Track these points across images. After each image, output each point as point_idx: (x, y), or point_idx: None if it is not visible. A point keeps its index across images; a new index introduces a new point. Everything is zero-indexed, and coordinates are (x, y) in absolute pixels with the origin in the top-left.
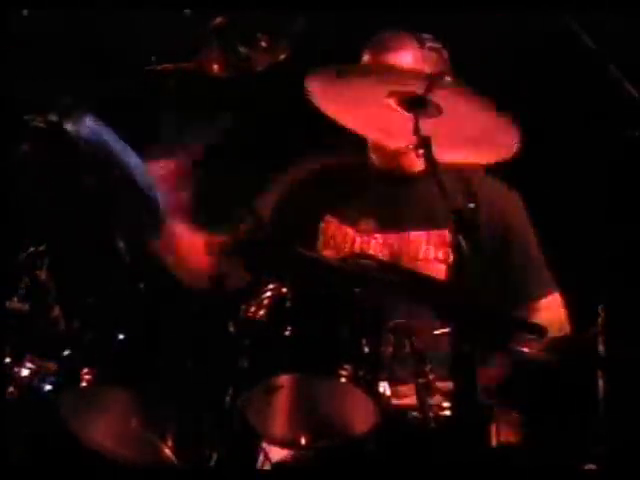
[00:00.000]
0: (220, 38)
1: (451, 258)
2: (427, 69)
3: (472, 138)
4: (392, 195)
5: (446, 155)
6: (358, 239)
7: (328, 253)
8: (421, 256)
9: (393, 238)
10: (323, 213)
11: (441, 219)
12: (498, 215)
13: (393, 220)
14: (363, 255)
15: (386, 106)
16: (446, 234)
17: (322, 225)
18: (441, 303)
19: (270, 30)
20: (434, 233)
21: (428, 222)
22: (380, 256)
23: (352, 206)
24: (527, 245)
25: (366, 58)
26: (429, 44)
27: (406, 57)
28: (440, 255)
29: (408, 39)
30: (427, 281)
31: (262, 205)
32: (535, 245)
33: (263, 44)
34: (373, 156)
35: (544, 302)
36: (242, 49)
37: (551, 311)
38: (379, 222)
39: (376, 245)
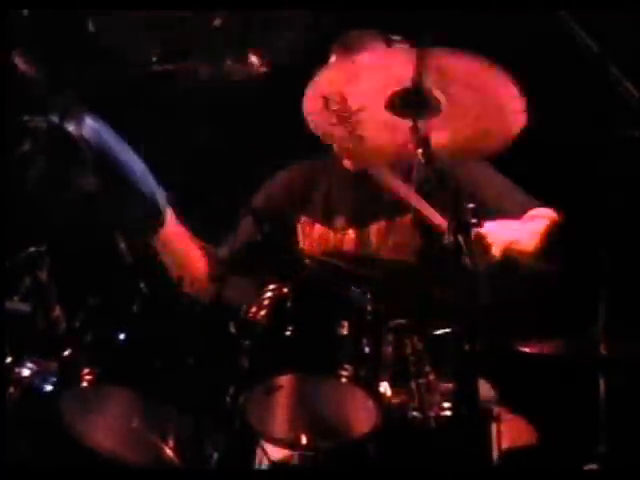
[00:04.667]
0: (212, 44)
1: (416, 241)
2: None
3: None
4: (361, 193)
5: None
6: (332, 236)
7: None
8: (390, 244)
9: (362, 232)
10: (299, 215)
11: (402, 207)
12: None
13: (362, 216)
14: (333, 254)
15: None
16: (408, 220)
17: (298, 226)
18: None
19: (263, 46)
20: (397, 222)
21: (391, 213)
22: (352, 251)
23: (325, 206)
24: (496, 188)
25: (333, 58)
26: (397, 44)
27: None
28: (405, 239)
29: (374, 38)
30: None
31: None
32: (503, 182)
33: (252, 59)
34: (344, 160)
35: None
36: (229, 61)
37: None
38: (350, 218)
39: (349, 240)
